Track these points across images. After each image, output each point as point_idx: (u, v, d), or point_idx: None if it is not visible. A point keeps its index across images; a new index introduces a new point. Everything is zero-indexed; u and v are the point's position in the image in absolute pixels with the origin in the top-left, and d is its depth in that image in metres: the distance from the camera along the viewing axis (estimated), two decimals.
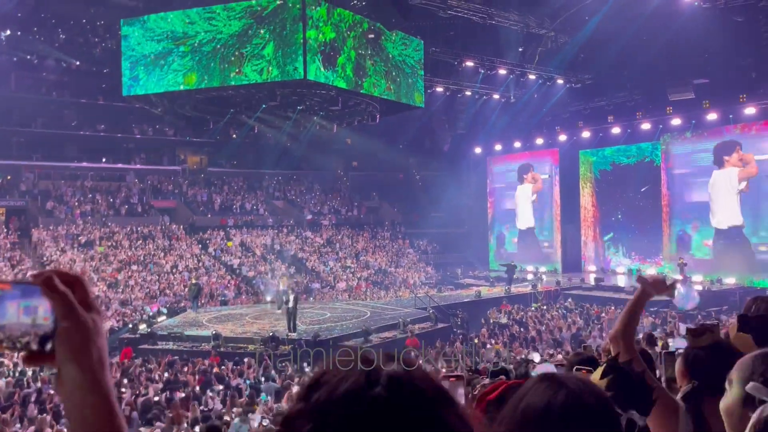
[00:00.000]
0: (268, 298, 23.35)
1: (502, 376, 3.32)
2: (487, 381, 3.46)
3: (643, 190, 28.79)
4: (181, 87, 21.80)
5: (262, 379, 13.73)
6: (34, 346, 0.76)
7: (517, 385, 1.69)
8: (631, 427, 1.61)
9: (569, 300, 24.15)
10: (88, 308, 0.79)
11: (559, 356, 10.79)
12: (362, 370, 0.79)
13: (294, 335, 18.30)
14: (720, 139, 25.58)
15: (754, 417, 1.30)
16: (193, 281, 24.22)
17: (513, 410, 1.12)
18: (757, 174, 24.15)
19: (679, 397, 2.30)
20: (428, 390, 0.79)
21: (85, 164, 33.21)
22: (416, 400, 0.77)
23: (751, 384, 1.36)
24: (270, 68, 20.54)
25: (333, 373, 0.80)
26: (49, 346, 0.77)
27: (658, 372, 3.19)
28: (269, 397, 11.91)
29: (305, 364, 15.52)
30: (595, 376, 2.01)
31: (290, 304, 18.85)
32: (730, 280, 24.23)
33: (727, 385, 1.49)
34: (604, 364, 2.09)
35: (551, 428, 1.07)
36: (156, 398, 11.80)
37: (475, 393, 1.85)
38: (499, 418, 1.14)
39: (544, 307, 23.13)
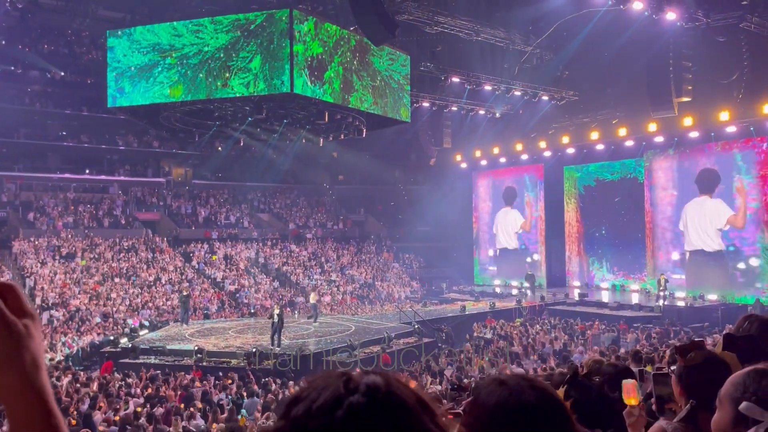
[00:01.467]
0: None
1: None
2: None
3: (616, 200, 29.16)
4: (167, 99, 21.70)
5: (245, 394, 13.57)
6: None
7: None
8: None
9: (554, 317, 24.20)
10: (21, 314, 0.81)
11: (542, 371, 10.79)
12: (341, 380, 0.80)
13: (278, 350, 18.16)
14: (704, 157, 25.91)
15: None
16: (184, 293, 24.12)
17: (469, 409, 1.23)
18: (743, 228, 24.39)
19: (678, 418, 2.30)
20: (407, 397, 0.79)
21: (68, 175, 32.87)
22: (395, 407, 0.77)
23: (744, 404, 1.34)
24: (257, 82, 20.52)
25: (312, 386, 0.81)
26: None
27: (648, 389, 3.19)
28: (253, 414, 11.76)
29: (289, 380, 15.38)
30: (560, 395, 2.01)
31: (275, 319, 18.85)
32: (712, 297, 24.43)
33: (717, 403, 1.47)
34: (567, 383, 2.10)
35: (494, 423, 1.17)
36: (136, 414, 11.61)
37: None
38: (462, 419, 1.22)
39: (528, 323, 23.15)
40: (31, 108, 32.16)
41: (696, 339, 2.55)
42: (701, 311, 22.79)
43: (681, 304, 24.42)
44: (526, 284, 29.99)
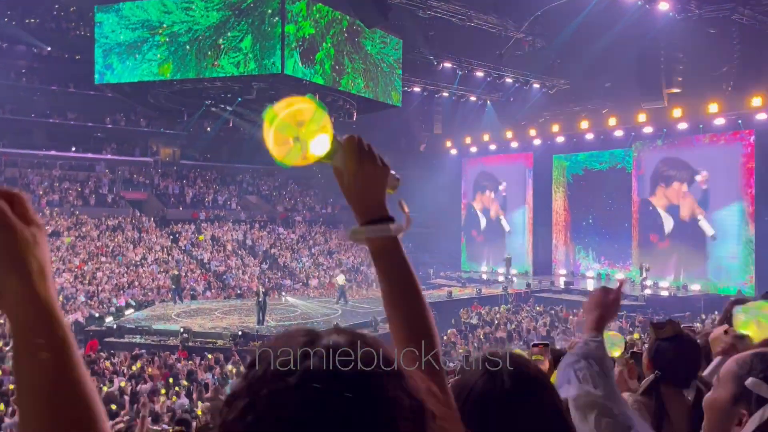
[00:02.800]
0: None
1: None
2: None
3: (604, 196, 29.40)
4: (156, 77, 21.47)
5: (230, 374, 13.59)
6: None
7: None
8: None
9: (539, 304, 24.40)
10: (28, 223, 0.79)
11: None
12: (302, 340, 0.75)
13: (263, 329, 18.21)
14: (690, 149, 26.09)
15: (757, 415, 1.29)
16: (175, 272, 24.36)
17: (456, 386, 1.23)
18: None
19: (641, 390, 2.35)
20: (369, 359, 0.73)
21: (53, 152, 32.46)
22: (353, 372, 0.71)
23: (750, 379, 1.34)
24: (247, 61, 20.35)
25: (274, 345, 0.76)
26: None
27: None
28: None
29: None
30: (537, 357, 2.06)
31: (261, 299, 19.03)
32: (695, 287, 24.72)
33: (715, 382, 1.48)
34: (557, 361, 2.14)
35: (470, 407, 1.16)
36: (120, 392, 11.59)
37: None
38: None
39: (513, 309, 23.33)
40: (16, 83, 31.67)
41: (672, 317, 2.62)
42: (684, 301, 23.06)
43: (665, 293, 24.68)
44: (503, 268, 30.28)
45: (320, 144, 1.12)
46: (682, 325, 3.23)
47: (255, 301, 19.81)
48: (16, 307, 0.76)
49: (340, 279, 24.83)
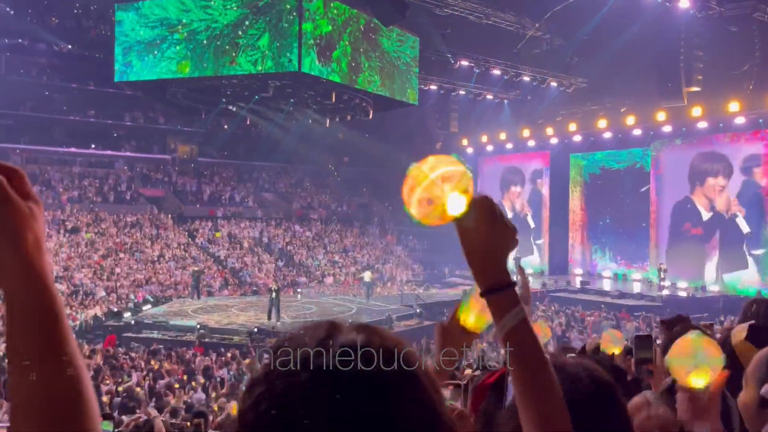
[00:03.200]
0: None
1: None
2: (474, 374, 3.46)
3: (642, 190, 28.76)
4: (174, 75, 21.64)
5: (246, 371, 13.68)
6: None
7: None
8: None
9: (555, 304, 24.26)
10: (25, 197, 0.80)
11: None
12: (321, 335, 0.76)
13: (278, 325, 18.32)
14: (710, 148, 25.77)
15: None
16: (195, 268, 24.78)
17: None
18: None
19: (661, 389, 2.34)
20: (387, 361, 0.72)
21: (73, 150, 32.87)
22: (365, 376, 0.71)
23: (766, 387, 1.33)
24: (264, 59, 20.43)
25: (295, 338, 0.77)
26: None
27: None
28: None
29: None
30: None
31: (273, 296, 19.17)
32: (714, 288, 24.43)
33: (744, 382, 1.46)
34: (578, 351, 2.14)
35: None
36: (138, 387, 11.72)
37: (465, 383, 1.85)
38: (510, 412, 1.12)
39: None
40: (37, 81, 32.11)
41: (680, 315, 2.59)
42: (702, 302, 22.80)
43: (683, 294, 24.43)
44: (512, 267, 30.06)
45: (458, 205, 1.12)
46: (702, 323, 3.22)
47: (269, 298, 19.96)
48: (11, 279, 0.76)
49: (367, 276, 25.03)
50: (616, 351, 2.99)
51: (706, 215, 25.83)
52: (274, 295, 19.57)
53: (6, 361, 0.76)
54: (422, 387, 0.74)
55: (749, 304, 2.90)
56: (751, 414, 1.41)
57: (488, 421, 1.55)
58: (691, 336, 1.49)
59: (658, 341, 2.87)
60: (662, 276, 24.79)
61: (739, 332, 2.34)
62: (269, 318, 19.23)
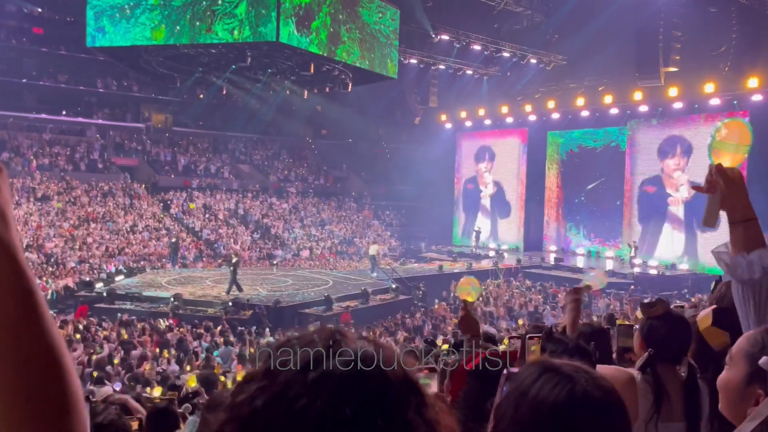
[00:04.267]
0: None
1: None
2: (449, 354, 3.49)
3: (589, 188, 29.33)
4: (149, 42, 21.12)
5: (220, 342, 13.66)
6: None
7: (494, 355, 1.68)
8: None
9: (529, 280, 24.56)
10: None
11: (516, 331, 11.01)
12: (326, 341, 0.75)
13: (254, 298, 18.31)
14: (685, 128, 26.07)
15: None
16: (173, 239, 24.79)
17: (515, 405, 1.03)
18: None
19: (637, 366, 2.39)
20: (391, 376, 0.72)
21: (44, 116, 32.04)
22: (376, 382, 0.71)
23: (765, 359, 1.29)
24: (242, 28, 20.01)
25: (299, 340, 0.76)
26: None
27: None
28: (228, 362, 11.86)
29: (266, 330, 15.50)
30: (536, 349, 2.06)
31: (232, 268, 19.22)
32: (683, 266, 24.92)
33: (728, 360, 1.44)
34: (542, 337, 2.15)
35: (561, 425, 0.99)
36: (110, 358, 11.63)
37: (443, 367, 1.85)
38: (497, 413, 1.05)
39: (504, 284, 23.48)
40: (6, 44, 31.09)
41: (660, 296, 2.64)
42: (672, 280, 23.27)
43: (653, 272, 24.89)
44: (473, 240, 31.40)
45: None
46: (673, 305, 3.26)
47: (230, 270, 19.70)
48: None
49: (373, 249, 25.66)
50: (469, 299, 3.14)
51: (675, 195, 26.24)
52: (232, 267, 19.37)
53: None
54: (427, 405, 0.74)
55: (724, 285, 2.94)
56: (735, 393, 1.38)
57: (473, 408, 1.54)
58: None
59: (631, 319, 2.91)
60: (633, 253, 25.20)
61: (705, 318, 2.37)
62: (228, 292, 18.97)
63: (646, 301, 2.55)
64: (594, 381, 1.02)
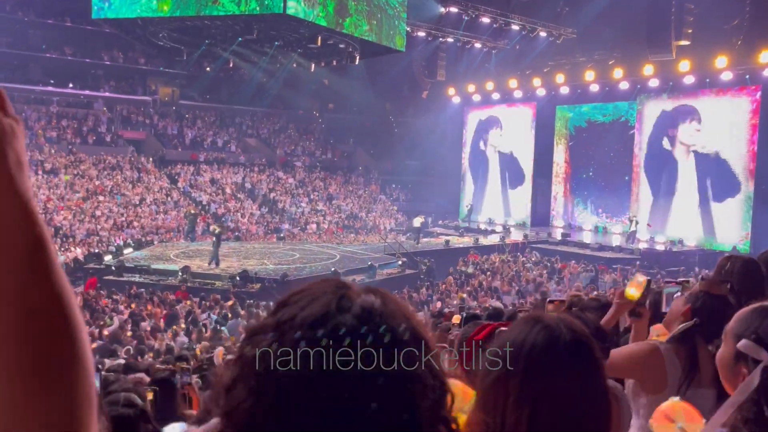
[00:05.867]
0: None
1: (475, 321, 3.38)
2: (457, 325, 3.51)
3: (611, 155, 28.98)
4: (155, 13, 20.94)
5: (229, 315, 13.79)
6: None
7: (504, 326, 1.71)
8: None
9: (534, 253, 24.59)
10: (4, 114, 0.74)
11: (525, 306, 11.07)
12: (336, 293, 0.75)
13: (261, 271, 18.46)
14: (697, 102, 25.78)
15: (747, 381, 1.30)
16: (191, 211, 24.86)
17: (499, 347, 1.19)
18: None
19: (671, 336, 2.39)
20: (401, 327, 0.74)
21: (51, 89, 31.99)
22: (385, 335, 0.72)
23: (743, 341, 1.36)
24: (248, 0, 19.81)
25: (307, 292, 0.77)
26: None
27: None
28: (236, 334, 11.98)
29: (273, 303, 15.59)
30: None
31: (215, 239, 19.43)
32: (690, 243, 24.85)
33: (723, 337, 1.50)
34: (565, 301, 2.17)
35: (532, 362, 1.15)
36: (120, 329, 11.78)
37: (452, 337, 1.87)
38: (488, 355, 1.19)
39: (511, 259, 23.53)
40: (12, 16, 30.90)
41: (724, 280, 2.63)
42: (679, 255, 23.24)
43: (660, 248, 24.85)
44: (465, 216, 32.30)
45: None
46: (679, 279, 3.27)
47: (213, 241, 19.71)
48: None
49: (417, 221, 26.38)
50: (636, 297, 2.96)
51: (684, 170, 26.06)
52: (214, 238, 19.45)
53: None
54: (434, 357, 0.75)
55: (724, 260, 2.94)
56: (727, 369, 1.46)
57: None
58: (673, 401, 1.60)
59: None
60: (634, 228, 25.12)
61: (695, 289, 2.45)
62: (209, 263, 19.05)
63: (712, 278, 2.56)
64: (568, 326, 1.19)
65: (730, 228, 24.25)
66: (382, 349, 0.71)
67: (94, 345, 10.68)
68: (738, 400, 1.30)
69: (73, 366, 0.70)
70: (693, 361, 2.31)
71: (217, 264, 19.14)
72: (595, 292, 13.35)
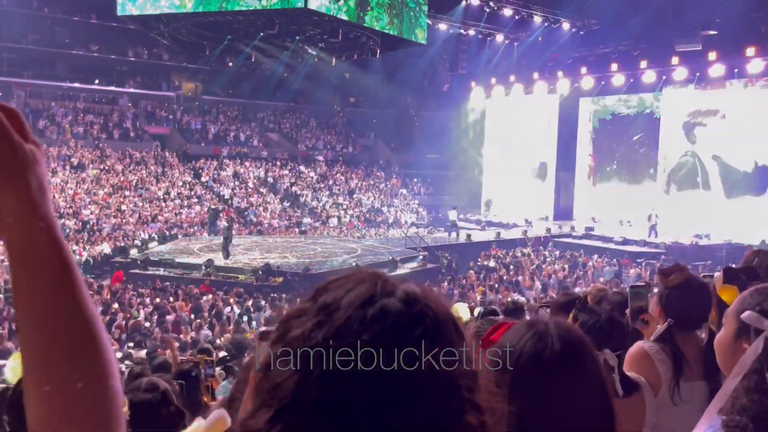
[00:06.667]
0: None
1: (493, 317, 3.38)
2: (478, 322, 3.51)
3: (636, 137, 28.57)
4: (178, 9, 21.16)
5: (251, 308, 13.92)
6: None
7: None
8: (607, 367, 1.66)
9: (558, 249, 24.38)
10: (25, 139, 0.75)
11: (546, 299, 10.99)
12: (377, 280, 0.77)
13: (284, 264, 18.58)
14: (724, 93, 25.28)
15: (752, 347, 1.31)
16: (212, 206, 24.62)
17: (499, 348, 1.22)
18: None
19: (654, 337, 2.38)
20: (442, 314, 0.76)
21: (77, 85, 32.50)
22: (429, 320, 0.74)
23: (746, 312, 1.38)
24: None
25: (346, 279, 0.78)
26: None
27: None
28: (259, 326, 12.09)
29: (296, 297, 15.70)
30: (569, 320, 2.08)
31: (225, 232, 19.52)
32: (716, 237, 24.41)
33: (723, 321, 1.53)
34: (575, 308, 2.16)
35: (518, 370, 1.18)
36: (146, 322, 11.98)
37: (471, 332, 1.88)
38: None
39: (533, 253, 23.37)
40: (39, 13, 31.43)
41: (677, 264, 2.62)
42: (706, 250, 22.84)
43: (685, 242, 24.46)
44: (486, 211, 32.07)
45: None
46: (702, 275, 3.22)
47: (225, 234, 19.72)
48: (15, 228, 0.73)
49: (452, 215, 26.49)
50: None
51: (709, 163, 25.62)
52: (225, 231, 19.47)
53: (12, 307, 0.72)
54: (460, 329, 0.78)
55: (752, 254, 2.90)
56: (727, 349, 1.48)
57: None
58: None
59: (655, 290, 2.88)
60: (654, 221, 24.74)
61: (719, 279, 2.38)
62: (225, 256, 19.05)
63: (663, 268, 2.54)
64: (561, 333, 1.20)
65: (758, 222, 23.77)
66: (427, 333, 0.73)
67: (120, 335, 10.88)
68: (740, 372, 1.31)
69: (102, 384, 0.73)
70: (678, 359, 2.32)
71: (227, 257, 19.24)
72: (621, 286, 13.23)
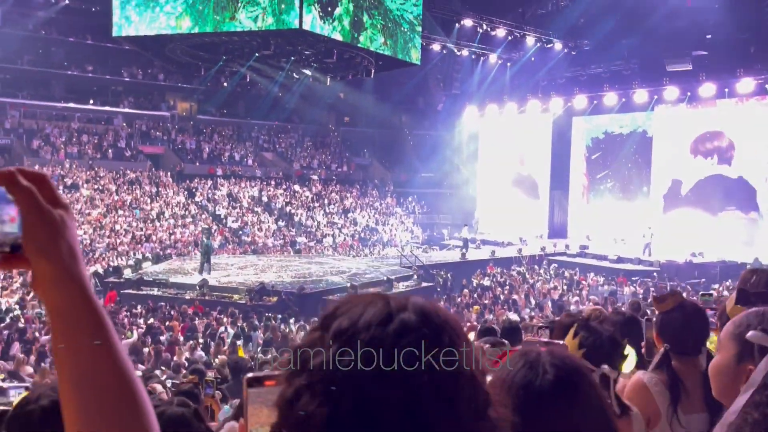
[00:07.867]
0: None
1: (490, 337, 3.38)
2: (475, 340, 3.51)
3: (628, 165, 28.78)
4: (173, 30, 21.28)
5: (246, 328, 13.82)
6: (7, 249, 0.73)
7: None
8: (604, 382, 1.66)
9: (553, 265, 24.40)
10: (54, 204, 0.77)
11: (540, 318, 10.98)
12: (384, 299, 0.78)
13: (278, 284, 18.49)
14: (716, 112, 25.53)
15: (762, 364, 1.28)
16: (205, 240, 20.59)
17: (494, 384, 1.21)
18: None
19: (652, 366, 2.37)
20: (453, 323, 0.78)
21: (72, 105, 32.54)
22: (445, 329, 0.76)
23: (751, 332, 1.35)
24: (265, 16, 20.06)
25: (352, 303, 0.78)
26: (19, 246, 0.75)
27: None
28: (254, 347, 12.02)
29: (290, 317, 15.65)
30: (569, 338, 2.07)
31: (203, 248, 19.57)
32: (711, 255, 24.48)
33: (717, 346, 1.49)
34: (576, 325, 2.15)
35: (511, 400, 1.15)
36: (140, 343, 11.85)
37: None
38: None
39: (528, 271, 23.37)
40: (35, 35, 31.55)
41: (672, 289, 2.63)
42: (700, 267, 22.90)
43: (680, 259, 24.52)
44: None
45: None
46: (701, 293, 3.23)
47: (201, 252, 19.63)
48: (50, 291, 0.76)
49: (464, 232, 26.58)
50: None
51: (704, 181, 25.80)
52: (203, 248, 19.44)
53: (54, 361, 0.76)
54: (470, 343, 0.80)
55: (749, 273, 2.90)
56: (727, 375, 1.43)
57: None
58: None
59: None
60: (648, 239, 24.81)
61: (730, 299, 2.37)
62: (205, 271, 19.04)
63: (657, 295, 2.54)
64: (555, 362, 1.19)
65: (748, 241, 23.91)
66: (450, 338, 0.75)
67: None
68: (748, 394, 1.29)
69: None
70: (675, 386, 2.28)
71: (209, 272, 19.09)
72: (617, 305, 13.22)
